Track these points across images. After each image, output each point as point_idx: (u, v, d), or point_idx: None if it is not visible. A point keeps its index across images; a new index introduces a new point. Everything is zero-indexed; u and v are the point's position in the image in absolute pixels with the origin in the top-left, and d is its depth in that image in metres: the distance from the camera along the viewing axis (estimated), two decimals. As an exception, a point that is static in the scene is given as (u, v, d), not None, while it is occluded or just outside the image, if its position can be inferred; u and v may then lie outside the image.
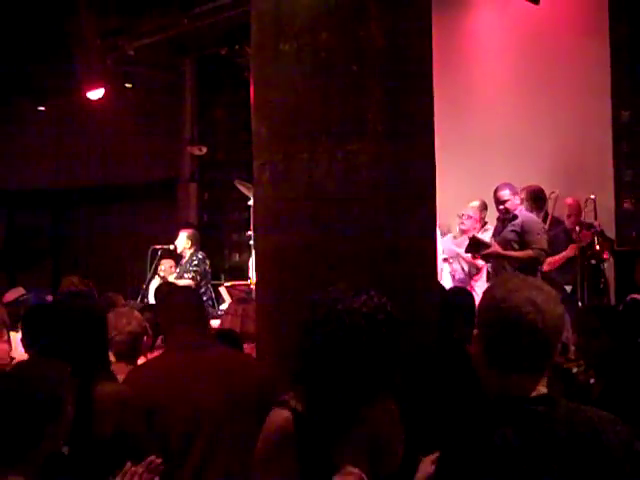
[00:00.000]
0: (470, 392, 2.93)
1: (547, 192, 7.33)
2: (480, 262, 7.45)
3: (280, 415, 2.09)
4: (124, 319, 3.80)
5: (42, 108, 11.27)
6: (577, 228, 6.93)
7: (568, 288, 7.01)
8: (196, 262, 8.48)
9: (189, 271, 8.42)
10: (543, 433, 1.78)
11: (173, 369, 3.08)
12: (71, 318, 3.01)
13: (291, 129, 2.93)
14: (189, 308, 3.28)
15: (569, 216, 7.02)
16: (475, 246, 6.63)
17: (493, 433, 1.78)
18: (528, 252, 6.27)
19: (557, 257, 6.86)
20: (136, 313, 4.08)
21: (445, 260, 7.91)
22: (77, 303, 3.12)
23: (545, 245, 6.42)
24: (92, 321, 3.04)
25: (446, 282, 7.37)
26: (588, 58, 7.93)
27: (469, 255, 7.45)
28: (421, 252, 3.00)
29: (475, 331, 1.89)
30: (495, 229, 6.88)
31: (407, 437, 2.36)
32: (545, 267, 6.82)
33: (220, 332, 4.49)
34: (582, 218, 7.06)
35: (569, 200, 7.07)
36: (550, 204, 7.35)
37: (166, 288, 3.63)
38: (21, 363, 2.64)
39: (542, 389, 1.85)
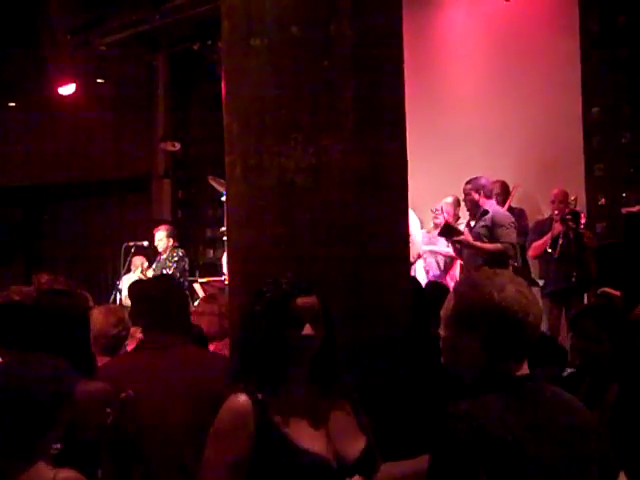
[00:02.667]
0: (447, 387, 2.94)
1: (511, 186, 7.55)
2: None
3: (237, 399, 2.19)
4: (112, 317, 3.89)
5: (13, 104, 11.15)
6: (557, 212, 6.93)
7: (541, 282, 7.09)
8: (176, 259, 8.51)
9: (168, 267, 8.42)
10: (536, 405, 1.90)
11: (142, 366, 3.07)
12: (54, 317, 2.96)
13: (262, 124, 2.93)
14: (164, 306, 3.26)
15: (553, 202, 7.07)
16: (448, 230, 6.75)
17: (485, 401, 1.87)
18: (497, 245, 6.41)
19: (541, 241, 6.91)
20: (122, 310, 4.15)
21: (419, 256, 7.96)
22: (59, 301, 3.08)
23: (514, 239, 6.56)
24: (75, 320, 3.01)
25: (420, 277, 7.41)
26: (559, 54, 8.01)
27: (442, 248, 7.54)
28: (392, 248, 3.01)
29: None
30: (467, 224, 6.97)
31: (383, 432, 2.39)
32: (531, 252, 6.96)
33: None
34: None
35: (555, 190, 7.12)
36: (511, 196, 7.57)
37: (140, 284, 3.63)
38: (23, 357, 2.60)
39: (525, 370, 1.97)
